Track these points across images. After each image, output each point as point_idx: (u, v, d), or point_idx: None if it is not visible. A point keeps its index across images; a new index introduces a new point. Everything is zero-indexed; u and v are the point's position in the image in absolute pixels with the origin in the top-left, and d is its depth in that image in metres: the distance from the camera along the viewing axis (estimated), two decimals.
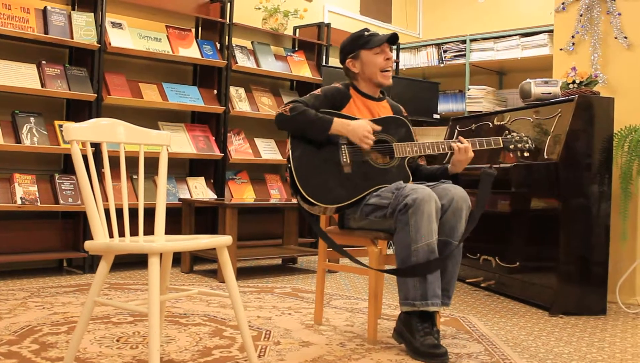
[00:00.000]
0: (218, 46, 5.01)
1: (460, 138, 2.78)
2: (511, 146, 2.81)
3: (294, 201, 4.78)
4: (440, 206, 2.51)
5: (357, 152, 2.68)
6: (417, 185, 2.54)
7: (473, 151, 2.75)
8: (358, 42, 2.82)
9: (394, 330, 2.60)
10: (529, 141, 2.83)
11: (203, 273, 4.41)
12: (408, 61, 6.55)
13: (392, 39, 2.81)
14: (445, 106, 6.33)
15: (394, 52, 6.32)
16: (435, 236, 2.47)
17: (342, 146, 2.68)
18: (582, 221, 3.35)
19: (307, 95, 2.79)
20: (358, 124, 2.63)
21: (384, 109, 2.88)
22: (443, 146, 2.74)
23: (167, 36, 4.76)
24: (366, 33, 2.83)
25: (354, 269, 2.92)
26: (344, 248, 2.71)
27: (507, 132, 2.85)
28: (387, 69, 2.82)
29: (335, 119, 2.65)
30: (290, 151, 2.66)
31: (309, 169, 2.64)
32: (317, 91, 2.81)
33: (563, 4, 4.00)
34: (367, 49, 2.80)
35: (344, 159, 2.65)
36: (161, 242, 2.02)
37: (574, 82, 3.60)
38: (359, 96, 2.84)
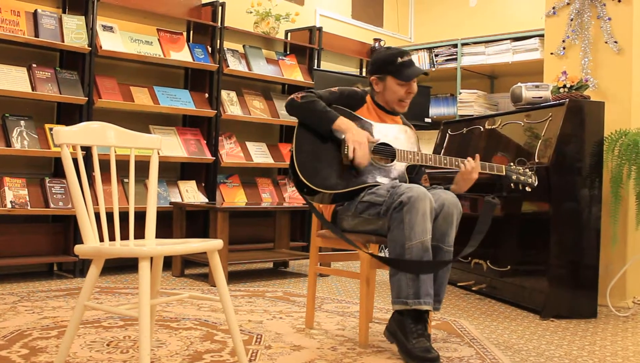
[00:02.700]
0: (209, 49, 5.00)
1: (477, 156, 2.75)
2: (514, 177, 2.81)
3: (286, 205, 4.79)
4: (434, 206, 2.51)
5: None
6: (412, 184, 2.54)
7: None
8: (388, 67, 2.78)
9: (385, 328, 2.59)
10: (532, 178, 2.83)
11: (194, 277, 4.39)
12: None
13: (423, 74, 2.84)
14: (436, 110, 6.34)
15: None
16: (429, 235, 2.47)
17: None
18: (573, 224, 3.36)
19: (324, 89, 2.81)
20: (360, 130, 2.64)
21: (395, 122, 2.89)
22: (446, 161, 2.72)
23: (159, 39, 4.75)
24: (399, 60, 2.77)
25: (346, 273, 2.92)
26: (336, 252, 2.71)
27: (512, 164, 2.83)
28: (405, 100, 2.83)
29: (341, 117, 2.66)
30: (295, 136, 2.68)
31: (310, 155, 2.65)
32: (334, 88, 2.83)
33: (554, 8, 4.02)
34: (394, 78, 2.79)
35: (345, 152, 2.64)
36: (152, 246, 2.01)
37: (564, 86, 3.61)
38: (373, 105, 2.87)
